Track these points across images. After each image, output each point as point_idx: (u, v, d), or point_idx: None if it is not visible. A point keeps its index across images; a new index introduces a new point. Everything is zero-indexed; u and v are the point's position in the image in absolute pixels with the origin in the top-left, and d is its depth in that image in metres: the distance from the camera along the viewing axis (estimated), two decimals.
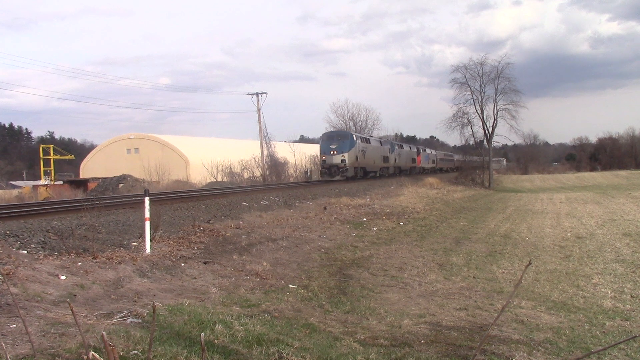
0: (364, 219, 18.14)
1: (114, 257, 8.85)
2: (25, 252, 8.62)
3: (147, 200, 10.04)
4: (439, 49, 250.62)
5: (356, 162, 35.17)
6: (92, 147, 69.13)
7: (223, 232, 12.50)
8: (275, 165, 44.38)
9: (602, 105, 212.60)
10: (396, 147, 48.24)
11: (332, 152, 33.80)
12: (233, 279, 9.05)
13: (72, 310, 2.52)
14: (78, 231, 10.26)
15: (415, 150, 59.20)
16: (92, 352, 2.55)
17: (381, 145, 43.56)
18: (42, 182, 53.36)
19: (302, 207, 19.39)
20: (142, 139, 53.60)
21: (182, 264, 9.41)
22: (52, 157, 59.23)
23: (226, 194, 20.42)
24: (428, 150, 68.45)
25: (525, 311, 7.90)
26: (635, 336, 6.19)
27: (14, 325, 5.12)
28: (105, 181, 38.09)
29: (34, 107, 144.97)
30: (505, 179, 67.96)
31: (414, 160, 55.68)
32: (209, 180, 39.88)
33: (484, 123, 47.18)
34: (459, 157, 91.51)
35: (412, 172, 53.51)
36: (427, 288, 9.31)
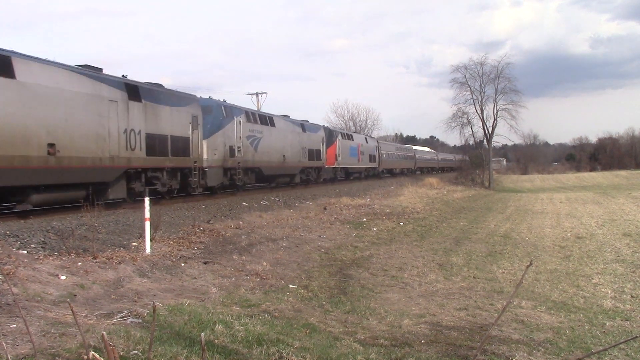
0: (364, 219, 18.14)
1: (114, 257, 8.85)
2: (25, 252, 8.61)
3: (147, 200, 10.05)
4: (439, 49, 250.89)
5: None
6: None
7: (223, 232, 12.50)
8: None
9: (602, 105, 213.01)
10: (242, 120, 21.03)
11: None
12: (233, 279, 9.05)
13: (72, 310, 2.52)
14: (78, 231, 10.26)
15: (321, 135, 31.02)
16: (92, 352, 2.55)
17: (149, 103, 15.55)
18: None
19: (302, 207, 19.39)
20: None
21: (182, 264, 9.41)
22: None
23: (226, 194, 20.41)
24: (359, 139, 40.17)
25: (525, 311, 7.90)
26: (636, 337, 6.19)
27: (14, 325, 5.11)
28: None
29: None
30: (505, 179, 67.92)
31: (314, 154, 29.21)
32: None
33: (483, 123, 47.13)
34: (426, 154, 67.89)
35: (310, 179, 29.16)
36: (427, 288, 9.31)
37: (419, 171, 60.75)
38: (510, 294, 8.63)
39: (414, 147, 65.34)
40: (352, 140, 37.84)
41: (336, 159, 33.44)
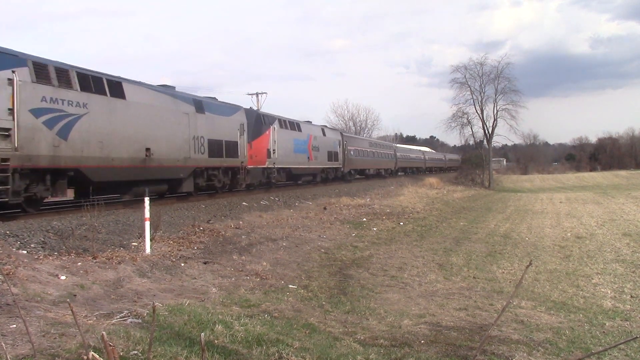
0: (364, 219, 18.14)
1: (114, 257, 8.85)
2: (25, 252, 8.61)
3: (147, 200, 10.05)
4: (439, 49, 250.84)
5: None
6: None
7: (223, 232, 12.50)
8: None
9: (602, 105, 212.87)
10: (21, 77, 11.05)
11: None
12: (233, 279, 9.05)
13: (72, 310, 2.52)
14: (78, 231, 10.26)
15: (239, 120, 20.63)
16: (92, 352, 2.55)
17: None
18: None
19: (302, 207, 19.39)
20: None
21: (182, 264, 9.41)
22: None
23: (226, 194, 20.40)
24: (311, 130, 29.38)
25: (525, 311, 7.90)
26: (636, 337, 6.20)
27: (14, 325, 5.11)
28: None
29: None
30: (505, 179, 67.91)
31: (224, 149, 19.31)
32: None
33: (483, 123, 47.21)
34: (410, 153, 58.61)
35: (218, 187, 19.50)
36: (427, 288, 9.31)
37: (401, 172, 51.87)
38: (510, 294, 8.63)
39: (395, 145, 56.32)
40: (299, 130, 27.21)
41: (269, 156, 23.41)
